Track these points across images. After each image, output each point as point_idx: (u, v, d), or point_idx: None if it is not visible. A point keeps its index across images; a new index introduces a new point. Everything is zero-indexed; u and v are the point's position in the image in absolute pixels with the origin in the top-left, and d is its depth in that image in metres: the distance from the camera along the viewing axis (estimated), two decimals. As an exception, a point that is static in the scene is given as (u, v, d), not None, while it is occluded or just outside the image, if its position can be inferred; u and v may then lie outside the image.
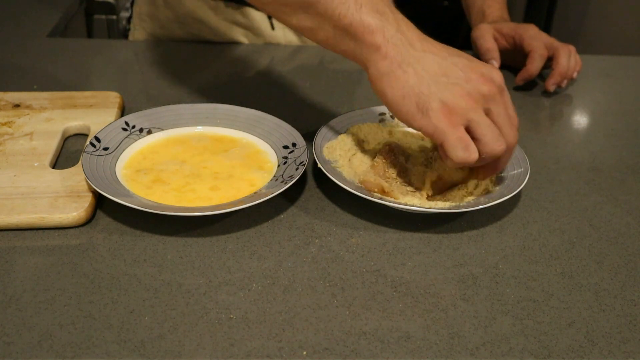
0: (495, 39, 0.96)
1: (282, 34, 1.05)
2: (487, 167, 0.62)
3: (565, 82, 0.92)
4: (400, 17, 0.59)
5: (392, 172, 0.65)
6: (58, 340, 0.47)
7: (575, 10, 2.16)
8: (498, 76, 0.59)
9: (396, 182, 0.64)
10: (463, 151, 0.56)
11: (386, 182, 0.63)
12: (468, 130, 0.57)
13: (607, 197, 0.69)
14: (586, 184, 0.71)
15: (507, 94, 0.60)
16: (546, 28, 2.17)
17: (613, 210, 0.67)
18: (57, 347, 0.47)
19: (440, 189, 0.64)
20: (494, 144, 0.57)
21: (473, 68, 0.58)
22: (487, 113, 0.58)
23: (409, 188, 0.64)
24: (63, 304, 0.50)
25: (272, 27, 1.04)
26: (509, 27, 0.95)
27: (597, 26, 2.17)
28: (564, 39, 0.95)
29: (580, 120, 0.89)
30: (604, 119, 0.89)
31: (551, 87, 0.91)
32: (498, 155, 0.58)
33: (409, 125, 0.58)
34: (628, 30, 2.14)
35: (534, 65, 0.90)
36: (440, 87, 0.56)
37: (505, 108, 0.58)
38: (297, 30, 0.63)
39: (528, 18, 2.25)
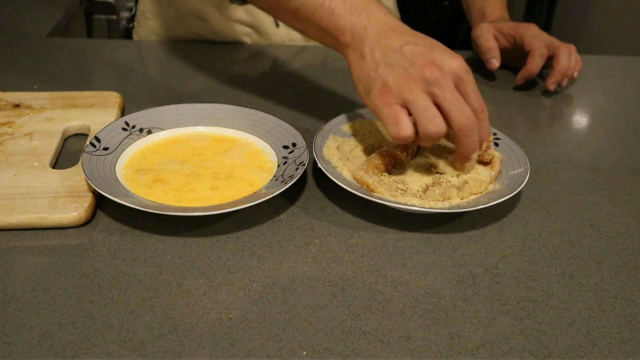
0: (496, 38, 0.96)
1: (286, 32, 1.05)
2: (456, 156, 0.64)
3: (565, 81, 0.92)
4: (374, 12, 0.64)
5: (386, 169, 0.65)
6: (58, 340, 0.47)
7: (575, 10, 2.16)
8: (453, 63, 0.61)
9: (389, 180, 0.64)
10: (393, 126, 0.60)
11: (379, 178, 0.63)
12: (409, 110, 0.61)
13: (607, 197, 0.69)
14: (586, 184, 0.71)
15: (466, 80, 0.61)
16: (546, 28, 2.16)
17: (613, 210, 0.67)
18: (57, 347, 0.47)
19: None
20: (428, 123, 0.59)
21: (424, 54, 0.61)
22: (433, 97, 0.60)
23: (400, 185, 0.64)
24: (63, 304, 0.50)
25: (277, 25, 1.04)
26: (510, 27, 0.95)
27: (597, 26, 2.17)
28: (564, 39, 0.95)
29: (580, 120, 0.89)
30: (604, 119, 0.89)
31: (551, 86, 0.91)
32: (435, 136, 0.60)
33: (364, 104, 0.64)
34: (628, 30, 2.14)
35: (534, 64, 0.91)
36: (387, 70, 0.61)
37: (451, 92, 0.60)
38: (293, 29, 0.72)
39: (528, 18, 2.25)
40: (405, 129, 0.60)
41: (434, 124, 0.59)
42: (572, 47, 0.93)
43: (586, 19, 2.16)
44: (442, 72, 0.60)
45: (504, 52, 0.95)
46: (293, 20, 0.69)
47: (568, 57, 0.91)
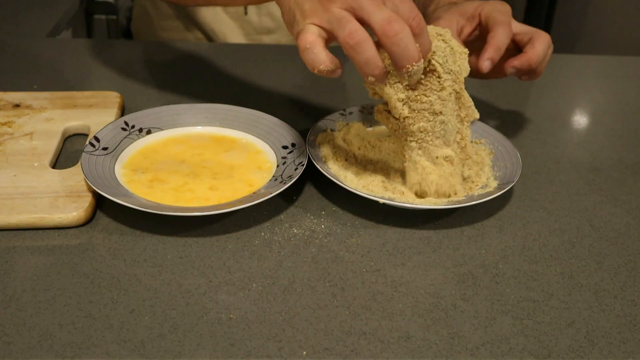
0: (462, 28, 0.76)
1: (257, 19, 1.06)
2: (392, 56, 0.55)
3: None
4: None
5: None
6: (58, 340, 0.47)
7: (575, 10, 2.16)
8: None
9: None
10: (308, 52, 0.54)
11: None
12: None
13: (607, 197, 0.69)
14: (586, 184, 0.71)
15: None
16: (546, 28, 2.17)
17: (613, 210, 0.67)
18: (57, 347, 0.47)
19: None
20: (342, 31, 0.52)
21: None
22: (352, 12, 0.53)
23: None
24: (63, 304, 0.50)
25: (246, 12, 1.05)
26: (472, 5, 0.76)
27: (597, 26, 2.17)
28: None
29: (580, 120, 0.89)
30: (604, 119, 0.89)
31: (486, 64, 0.71)
32: (356, 46, 0.52)
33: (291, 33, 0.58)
34: (628, 30, 2.14)
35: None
36: None
37: (369, 1, 0.53)
38: (226, 4, 0.71)
39: (528, 18, 2.25)
40: (319, 54, 0.53)
41: (348, 29, 0.52)
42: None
43: (586, 19, 2.17)
44: None
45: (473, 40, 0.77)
46: None
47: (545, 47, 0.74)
